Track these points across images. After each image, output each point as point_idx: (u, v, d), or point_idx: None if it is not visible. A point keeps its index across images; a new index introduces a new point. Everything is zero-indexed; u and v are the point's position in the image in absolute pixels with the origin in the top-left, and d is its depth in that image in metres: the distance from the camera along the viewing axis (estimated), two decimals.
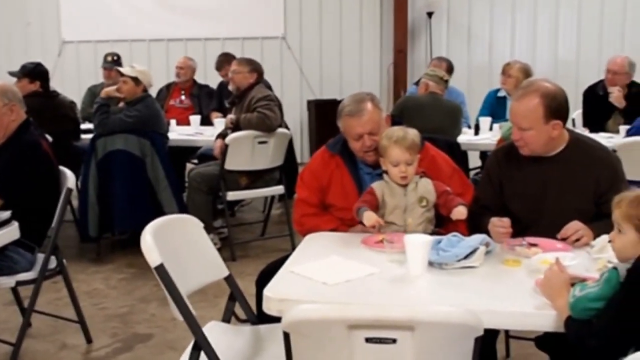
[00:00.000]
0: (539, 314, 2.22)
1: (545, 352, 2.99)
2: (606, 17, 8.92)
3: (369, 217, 2.94)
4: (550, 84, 3.08)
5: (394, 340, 1.94)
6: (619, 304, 2.01)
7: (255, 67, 5.94)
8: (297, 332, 2.00)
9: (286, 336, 2.01)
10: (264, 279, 2.87)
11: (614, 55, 6.57)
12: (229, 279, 2.96)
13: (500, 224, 2.89)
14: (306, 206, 3.35)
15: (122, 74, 5.66)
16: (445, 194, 3.06)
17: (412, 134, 3.10)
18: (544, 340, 2.94)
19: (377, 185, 3.10)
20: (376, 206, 3.07)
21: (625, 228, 2.16)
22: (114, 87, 5.67)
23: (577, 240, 2.85)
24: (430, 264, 2.59)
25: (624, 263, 2.10)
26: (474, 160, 6.72)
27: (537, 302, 2.27)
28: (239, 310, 3.01)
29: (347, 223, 3.23)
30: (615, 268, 2.12)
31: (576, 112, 6.76)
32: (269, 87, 6.44)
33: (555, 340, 2.58)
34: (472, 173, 6.12)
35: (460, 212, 2.94)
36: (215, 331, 2.77)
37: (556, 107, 3.01)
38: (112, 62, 7.40)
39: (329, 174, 3.33)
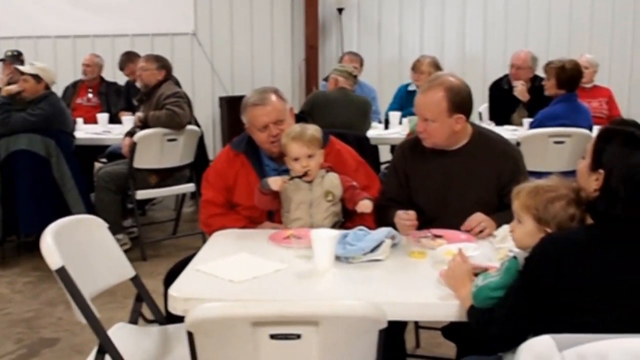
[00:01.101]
0: (442, 304, 2.27)
1: (452, 341, 3.06)
2: (510, 13, 9.14)
3: (274, 181, 3.01)
4: (455, 78, 3.14)
5: (298, 336, 1.94)
6: (516, 292, 2.06)
7: (163, 64, 5.86)
8: (201, 331, 1.97)
9: (190, 336, 1.98)
10: (171, 278, 2.82)
11: (518, 51, 6.75)
12: (135, 280, 2.91)
13: (406, 217, 2.93)
14: (212, 207, 3.31)
15: (21, 73, 5.48)
16: (352, 188, 3.08)
17: (312, 129, 3.11)
18: (450, 330, 3.00)
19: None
20: (277, 198, 3.09)
21: (524, 218, 2.21)
22: (16, 86, 5.48)
23: (481, 231, 2.91)
24: (337, 258, 2.60)
25: (524, 252, 2.15)
26: (385, 155, 6.80)
27: (441, 293, 2.31)
28: (148, 311, 2.96)
29: (255, 221, 3.22)
30: (515, 257, 2.17)
31: (483, 106, 6.92)
32: (178, 84, 6.35)
33: (461, 330, 2.63)
34: (382, 167, 6.18)
35: (365, 205, 2.97)
36: (121, 333, 2.71)
37: (460, 102, 3.07)
38: (12, 57, 7.17)
39: (235, 173, 3.30)
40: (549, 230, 2.15)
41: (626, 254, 2.01)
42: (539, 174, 2.88)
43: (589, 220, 2.11)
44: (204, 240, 5.60)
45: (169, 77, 5.88)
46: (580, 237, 2.06)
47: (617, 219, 2.04)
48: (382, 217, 3.08)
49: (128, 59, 7.28)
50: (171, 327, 2.86)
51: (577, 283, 1.96)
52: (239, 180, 3.29)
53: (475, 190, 3.10)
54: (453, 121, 3.07)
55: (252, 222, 3.22)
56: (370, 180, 3.34)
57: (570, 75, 5.27)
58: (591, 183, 2.09)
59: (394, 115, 6.37)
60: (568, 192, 2.16)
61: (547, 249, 2.03)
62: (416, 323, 3.89)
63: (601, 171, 2.07)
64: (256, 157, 3.32)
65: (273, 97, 3.27)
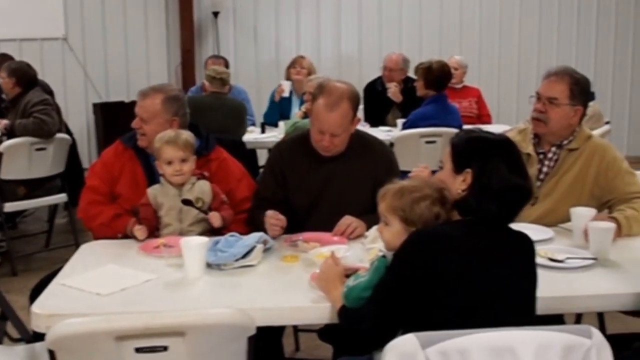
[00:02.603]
0: (314, 307, 2.28)
1: (328, 343, 3.07)
2: (384, 17, 9.35)
3: (140, 233, 2.98)
4: (346, 84, 3.18)
5: (165, 348, 1.90)
6: (385, 288, 2.09)
7: (18, 77, 5.59)
8: (63, 348, 1.90)
9: (51, 354, 1.90)
10: (37, 293, 2.71)
11: (390, 53, 6.89)
12: None
13: (274, 220, 2.93)
14: (94, 194, 3.27)
15: None
16: (220, 202, 3.08)
17: (186, 134, 3.10)
18: (326, 332, 3.02)
19: (150, 190, 3.08)
20: (154, 211, 3.05)
21: (391, 220, 2.25)
22: None
23: (352, 232, 2.95)
24: (209, 265, 2.58)
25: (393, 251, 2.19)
26: (263, 159, 6.78)
27: (313, 296, 2.32)
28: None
29: (131, 212, 3.17)
30: (384, 256, 2.20)
31: (359, 108, 7.01)
32: (49, 91, 6.14)
33: (336, 331, 2.65)
34: (261, 171, 6.15)
35: (215, 217, 2.96)
36: None
37: (357, 106, 3.16)
38: None
39: (121, 165, 3.30)
40: None
41: (492, 249, 2.09)
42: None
43: (456, 217, 2.18)
44: None
45: (32, 85, 5.64)
46: (448, 231, 2.12)
47: (485, 214, 2.12)
48: (254, 217, 3.10)
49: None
50: (38, 345, 2.74)
51: (445, 276, 2.01)
52: (124, 172, 3.28)
53: (353, 192, 3.14)
54: (352, 126, 3.15)
55: (129, 213, 3.16)
56: (252, 192, 3.33)
57: (437, 76, 5.42)
58: (457, 185, 2.16)
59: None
60: (432, 192, 2.22)
61: (415, 243, 2.07)
62: (295, 327, 3.90)
63: (468, 170, 2.14)
64: (144, 152, 3.29)
65: (151, 95, 3.30)
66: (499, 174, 2.11)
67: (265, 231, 2.89)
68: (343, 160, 3.18)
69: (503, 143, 2.21)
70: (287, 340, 3.77)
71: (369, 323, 2.09)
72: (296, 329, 3.93)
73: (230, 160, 3.37)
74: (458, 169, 2.17)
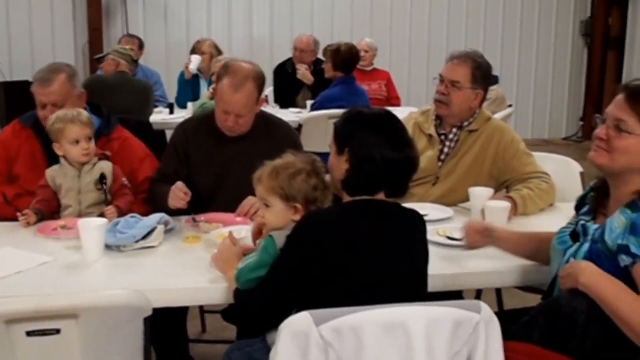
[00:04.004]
0: (212, 288, 2.27)
1: (232, 324, 3.08)
2: None
3: (24, 220, 2.87)
4: (251, 64, 3.17)
5: (58, 331, 1.87)
6: (278, 269, 2.10)
7: None
8: None
9: None
10: None
11: (301, 34, 6.90)
12: None
13: (182, 190, 2.90)
14: None
15: None
16: (121, 185, 3.03)
17: (84, 112, 3.03)
18: (229, 312, 3.01)
19: (49, 171, 3.01)
20: (53, 193, 2.98)
21: (271, 201, 2.26)
22: None
23: (255, 213, 2.94)
24: (109, 247, 2.53)
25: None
26: None
27: (212, 277, 2.32)
28: None
29: (32, 192, 3.08)
30: (271, 236, 2.21)
31: (269, 89, 7.00)
32: None
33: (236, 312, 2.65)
34: None
35: (111, 213, 2.86)
36: None
37: (262, 86, 3.15)
38: None
39: (19, 145, 3.21)
40: (298, 206, 2.22)
41: (383, 227, 2.12)
42: (320, 155, 2.95)
43: (347, 199, 2.20)
44: None
45: None
46: (338, 213, 2.15)
47: (368, 190, 2.15)
48: (154, 192, 3.10)
49: None
50: None
51: (337, 257, 2.03)
52: (22, 152, 3.20)
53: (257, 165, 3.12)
54: (258, 107, 3.15)
55: (28, 194, 3.08)
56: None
57: (345, 58, 5.46)
58: (342, 165, 2.17)
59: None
60: (305, 165, 2.26)
61: (309, 225, 2.09)
62: (201, 308, 3.88)
63: (347, 150, 2.16)
64: (43, 132, 3.17)
65: (61, 78, 3.19)
66: (375, 149, 2.11)
67: (163, 205, 2.87)
68: (248, 140, 3.17)
69: (379, 117, 2.21)
70: (193, 322, 3.76)
71: (260, 304, 2.10)
72: (202, 311, 3.91)
73: (133, 140, 3.32)
74: (340, 149, 2.19)
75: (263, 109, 3.35)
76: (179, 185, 2.93)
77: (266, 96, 6.87)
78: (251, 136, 3.18)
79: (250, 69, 3.11)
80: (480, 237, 2.46)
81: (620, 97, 2.09)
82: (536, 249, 2.44)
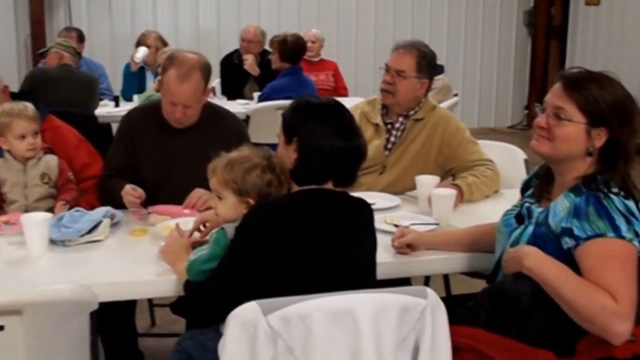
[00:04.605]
0: (160, 281, 2.26)
1: (180, 316, 3.06)
2: None
3: None
4: (197, 54, 3.14)
5: (1, 327, 1.84)
6: (228, 261, 2.10)
7: None
8: None
9: None
10: None
11: (248, 25, 6.87)
12: None
13: (132, 195, 2.87)
14: None
15: None
16: (67, 179, 2.99)
17: (30, 105, 2.97)
18: (178, 305, 3.00)
19: None
20: None
21: (224, 193, 2.26)
22: None
23: (203, 205, 2.93)
24: (53, 242, 2.50)
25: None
26: None
27: (159, 269, 2.30)
28: None
29: None
30: (222, 228, 2.21)
31: (216, 81, 6.95)
32: None
33: (185, 304, 2.63)
34: None
35: (60, 209, 2.83)
36: None
37: (208, 77, 3.12)
38: None
39: None
40: (250, 201, 2.21)
41: (331, 216, 2.14)
42: (269, 146, 2.94)
43: (295, 188, 2.21)
44: None
45: None
46: (286, 202, 2.15)
47: (316, 179, 2.16)
48: (106, 189, 3.06)
49: None
50: None
51: (286, 246, 2.04)
52: None
53: (202, 166, 3.08)
54: (204, 98, 3.13)
55: None
56: (92, 158, 3.27)
57: (291, 49, 5.46)
58: (290, 155, 2.18)
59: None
60: (260, 160, 2.24)
61: (258, 215, 2.09)
62: (150, 301, 3.85)
63: (295, 139, 2.16)
64: None
65: None
66: (323, 138, 2.12)
67: (118, 201, 2.85)
68: (194, 132, 3.14)
69: (327, 107, 2.22)
70: (142, 315, 3.73)
71: (212, 296, 2.10)
72: (151, 304, 3.88)
73: (64, 128, 3.28)
74: (288, 139, 2.19)
75: (210, 100, 3.33)
76: (127, 189, 2.89)
77: (213, 87, 6.84)
78: (198, 127, 3.15)
79: (195, 59, 3.09)
80: (409, 249, 2.48)
81: (558, 86, 2.13)
82: (475, 242, 2.51)
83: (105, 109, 5.77)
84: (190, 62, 3.05)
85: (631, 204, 2.03)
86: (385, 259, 2.39)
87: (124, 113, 5.59)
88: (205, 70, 3.10)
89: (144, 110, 3.28)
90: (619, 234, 1.96)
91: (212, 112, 3.23)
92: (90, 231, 2.56)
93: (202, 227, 2.47)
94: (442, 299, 1.92)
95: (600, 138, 2.08)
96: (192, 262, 2.17)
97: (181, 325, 3.57)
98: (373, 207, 2.33)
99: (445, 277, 3.57)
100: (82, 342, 1.99)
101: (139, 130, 3.18)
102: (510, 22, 10.32)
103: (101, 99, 5.86)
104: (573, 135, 2.09)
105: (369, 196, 2.59)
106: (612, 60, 8.70)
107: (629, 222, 1.98)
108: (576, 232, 1.99)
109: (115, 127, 6.13)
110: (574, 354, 1.94)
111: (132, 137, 3.18)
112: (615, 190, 2.03)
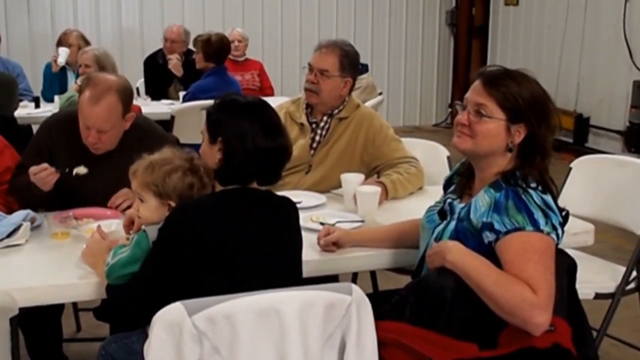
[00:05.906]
0: (81, 284, 2.22)
1: (103, 321, 3.01)
2: None
3: None
4: (117, 77, 3.04)
5: None
6: (151, 263, 2.08)
7: None
8: None
9: None
10: None
11: (171, 24, 6.79)
12: None
13: (38, 170, 2.77)
14: None
15: None
16: None
17: None
18: (101, 310, 2.94)
19: None
20: None
21: (145, 196, 2.24)
22: None
23: (129, 207, 2.86)
24: None
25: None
26: None
27: (81, 272, 2.26)
28: None
29: None
30: (144, 230, 2.18)
31: (140, 81, 6.86)
32: None
33: (107, 308, 2.59)
34: None
35: None
36: None
37: (128, 100, 2.97)
38: None
39: None
40: (172, 203, 2.19)
41: (255, 215, 2.14)
42: (193, 146, 2.91)
43: (219, 188, 2.19)
44: None
45: None
46: (210, 202, 2.15)
47: (241, 180, 2.15)
48: (18, 185, 2.95)
49: None
50: None
51: (209, 247, 2.03)
52: None
53: (120, 187, 2.96)
54: (125, 124, 2.98)
55: None
56: (15, 162, 3.13)
57: (216, 48, 5.44)
58: (215, 154, 2.16)
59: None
60: (182, 162, 2.23)
61: (179, 216, 2.08)
62: (75, 306, 3.77)
63: (220, 139, 2.15)
64: None
65: None
66: (248, 138, 2.11)
67: (29, 196, 2.80)
68: (115, 157, 2.97)
69: (252, 106, 2.21)
70: (67, 321, 3.65)
71: (134, 299, 2.07)
72: (76, 309, 3.80)
73: None
74: (213, 138, 2.17)
75: (135, 102, 3.22)
76: (32, 170, 2.78)
77: (137, 88, 6.74)
78: (119, 152, 2.98)
79: (113, 80, 2.95)
80: (335, 247, 2.50)
81: (477, 83, 2.18)
82: (400, 238, 2.54)
83: (25, 110, 5.62)
84: (106, 83, 2.91)
85: (548, 198, 2.08)
86: (312, 256, 2.40)
87: (45, 114, 5.52)
88: (123, 93, 2.93)
89: (66, 120, 3.08)
90: (537, 228, 2.01)
91: (137, 134, 3.02)
92: (9, 235, 2.49)
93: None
94: (369, 295, 1.93)
95: (519, 134, 2.14)
96: (112, 265, 2.13)
97: (107, 330, 3.51)
98: (299, 205, 2.33)
99: (372, 274, 3.61)
100: (3, 349, 1.93)
101: (58, 141, 3.04)
102: (433, 22, 10.48)
103: (21, 100, 5.70)
104: (494, 131, 2.14)
105: (294, 195, 2.60)
106: (530, 59, 8.92)
107: (546, 215, 2.03)
108: (496, 226, 2.04)
109: (35, 128, 6.01)
110: (496, 345, 1.98)
111: (50, 148, 3.04)
112: (533, 185, 2.09)
